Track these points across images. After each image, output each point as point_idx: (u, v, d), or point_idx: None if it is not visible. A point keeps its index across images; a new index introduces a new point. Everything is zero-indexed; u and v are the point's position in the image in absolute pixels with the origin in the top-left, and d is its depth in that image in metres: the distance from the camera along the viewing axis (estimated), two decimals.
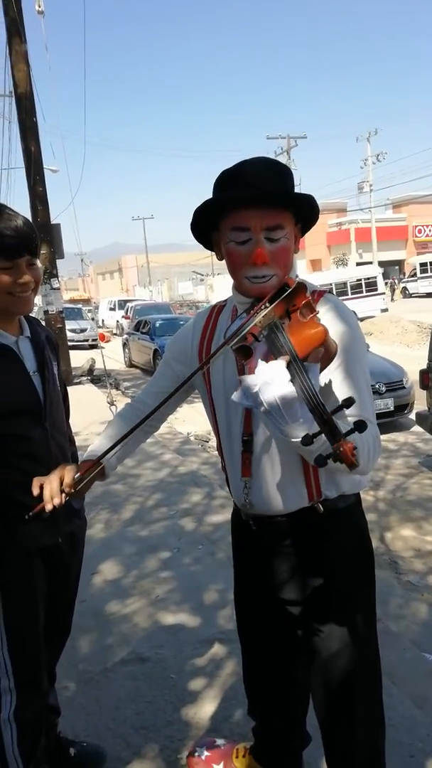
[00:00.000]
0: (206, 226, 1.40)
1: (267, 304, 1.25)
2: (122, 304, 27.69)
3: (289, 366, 1.08)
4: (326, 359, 1.15)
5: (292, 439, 1.14)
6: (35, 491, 1.38)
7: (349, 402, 1.02)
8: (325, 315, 1.33)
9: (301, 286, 1.28)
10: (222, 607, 2.94)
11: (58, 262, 9.64)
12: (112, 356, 15.68)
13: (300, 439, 1.07)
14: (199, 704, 2.28)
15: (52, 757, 1.88)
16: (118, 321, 25.83)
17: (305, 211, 1.36)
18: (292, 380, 1.07)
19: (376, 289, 21.41)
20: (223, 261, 1.40)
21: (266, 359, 1.16)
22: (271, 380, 1.08)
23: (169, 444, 6.46)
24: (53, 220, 9.45)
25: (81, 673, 2.49)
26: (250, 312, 1.32)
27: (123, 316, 23.83)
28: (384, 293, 22.87)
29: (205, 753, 1.96)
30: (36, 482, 1.39)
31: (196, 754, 1.96)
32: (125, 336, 15.99)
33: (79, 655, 2.58)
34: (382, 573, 3.37)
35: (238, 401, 1.14)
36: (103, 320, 29.27)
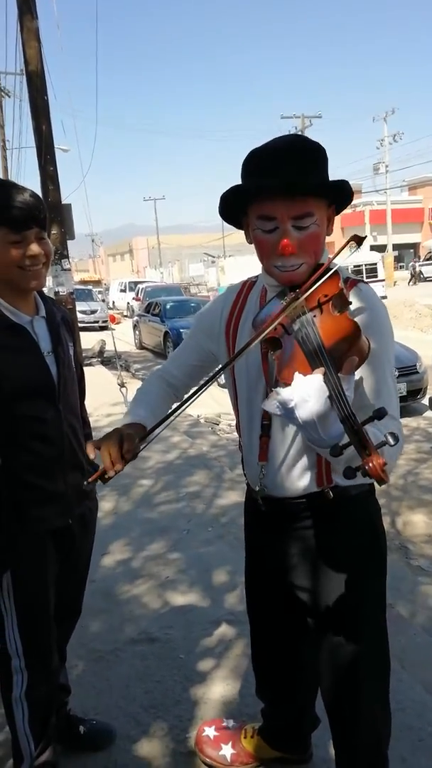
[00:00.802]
0: (235, 210, 1.36)
1: (298, 294, 1.22)
2: (133, 285, 27.61)
3: (324, 378, 1.04)
4: (359, 360, 1.11)
5: (321, 448, 1.10)
6: (91, 455, 1.32)
7: (380, 413, 0.98)
8: (355, 307, 1.28)
9: (335, 275, 1.24)
10: (231, 589, 2.94)
11: (69, 243, 9.59)
12: (122, 338, 15.67)
13: (329, 450, 1.03)
14: (208, 684, 2.29)
15: (62, 734, 1.90)
16: (128, 303, 25.78)
17: (337, 196, 1.31)
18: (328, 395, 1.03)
19: (376, 276, 21.23)
20: (243, 243, 1.36)
21: (295, 355, 1.14)
22: (309, 397, 1.04)
23: (178, 426, 6.45)
24: (64, 200, 9.39)
25: (91, 652, 2.51)
26: (280, 300, 1.30)
27: (134, 298, 23.78)
28: (384, 280, 22.65)
29: (214, 733, 1.97)
30: (91, 446, 1.34)
31: (205, 733, 1.98)
32: (135, 318, 15.97)
33: (89, 635, 2.60)
34: (393, 557, 3.36)
35: (271, 411, 1.11)
36: (113, 302, 29.22)
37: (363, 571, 1.47)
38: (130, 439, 1.32)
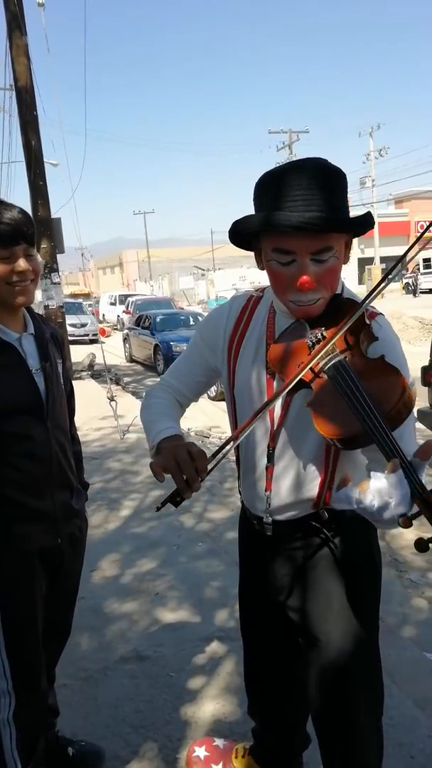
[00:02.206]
0: (247, 238, 1.28)
1: (320, 332, 1.18)
2: (123, 298, 27.63)
3: (403, 468, 1.00)
4: (406, 412, 1.07)
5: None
6: (160, 479, 1.20)
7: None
8: (379, 343, 1.23)
9: (354, 304, 1.21)
10: (222, 605, 2.92)
11: (59, 256, 9.61)
12: (112, 351, 15.65)
13: (397, 521, 0.99)
14: (199, 703, 2.27)
15: (50, 756, 1.87)
16: (118, 316, 25.78)
17: (359, 230, 1.24)
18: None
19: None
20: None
21: (333, 403, 1.10)
22: (397, 502, 1.00)
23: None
24: (54, 214, 9.42)
25: (79, 671, 2.47)
26: (300, 335, 1.25)
27: (124, 311, 23.78)
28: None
29: (205, 753, 1.95)
30: (158, 469, 1.21)
31: (195, 753, 1.95)
32: (126, 331, 15.97)
33: (77, 653, 2.57)
34: (383, 571, 3.35)
35: (338, 506, 1.07)
36: (103, 315, 29.21)
37: (358, 590, 1.45)
38: (202, 456, 1.21)
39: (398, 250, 41.91)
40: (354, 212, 1.26)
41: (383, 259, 36.12)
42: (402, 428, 1.13)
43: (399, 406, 1.06)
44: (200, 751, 1.95)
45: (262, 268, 1.29)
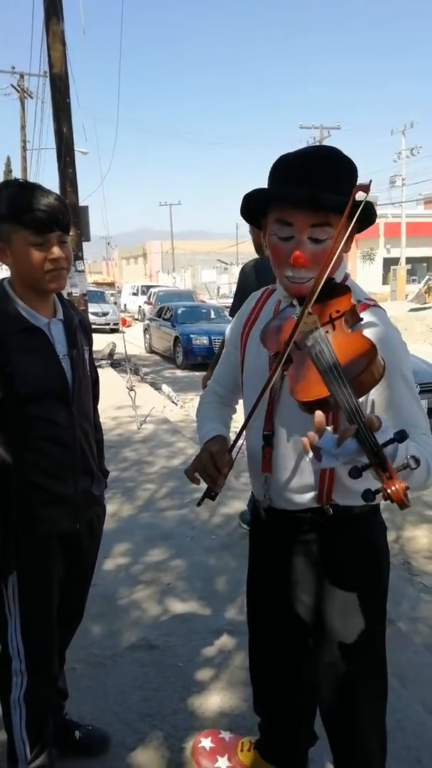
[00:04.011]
0: (256, 211, 1.36)
1: (309, 310, 1.20)
2: (145, 289, 27.71)
3: (340, 399, 1.03)
4: (372, 380, 1.10)
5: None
6: (194, 482, 1.42)
7: (402, 435, 0.97)
8: (367, 325, 1.26)
9: (346, 289, 1.23)
10: (232, 599, 2.93)
11: (84, 245, 9.65)
12: (132, 341, 15.71)
13: (349, 472, 1.01)
14: (206, 695, 2.28)
15: (57, 739, 1.89)
16: (140, 306, 25.87)
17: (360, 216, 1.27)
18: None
19: None
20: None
21: (308, 372, 1.13)
22: (350, 461, 1.03)
23: (183, 431, 6.45)
24: (81, 203, 9.46)
25: (89, 656, 2.50)
26: (289, 314, 1.29)
27: (145, 302, 23.85)
28: None
29: (210, 744, 1.95)
30: (192, 476, 1.42)
31: (201, 744, 1.96)
32: (146, 321, 16.00)
33: (88, 639, 2.59)
34: (395, 574, 3.33)
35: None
36: (125, 305, 29.35)
37: (361, 589, 1.44)
38: (220, 455, 1.40)
39: (425, 251, 41.44)
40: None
41: (409, 260, 35.66)
42: (400, 399, 1.25)
43: (365, 375, 1.09)
44: (206, 742, 1.96)
45: (266, 247, 1.35)
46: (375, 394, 1.26)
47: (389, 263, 37.96)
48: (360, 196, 1.16)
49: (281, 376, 1.29)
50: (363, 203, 1.22)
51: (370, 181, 1.17)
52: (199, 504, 1.45)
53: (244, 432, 1.39)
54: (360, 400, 1.07)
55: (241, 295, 3.28)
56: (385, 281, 37.20)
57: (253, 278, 3.28)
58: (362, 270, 39.57)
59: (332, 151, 1.29)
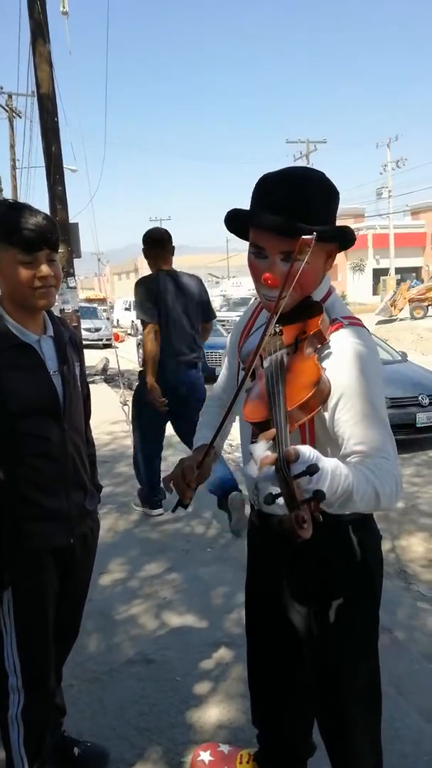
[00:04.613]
0: (237, 229, 1.39)
1: (276, 329, 1.25)
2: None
3: (276, 465, 1.06)
4: (315, 403, 1.16)
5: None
6: (168, 490, 1.48)
7: (312, 469, 1.00)
8: (334, 349, 1.27)
9: (319, 310, 1.26)
10: (229, 611, 2.92)
11: (75, 261, 9.69)
12: (125, 356, 15.72)
13: (263, 498, 1.05)
14: (204, 708, 2.27)
15: (55, 756, 1.88)
16: (132, 321, 25.90)
17: (338, 238, 1.31)
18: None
19: None
20: (246, 264, 1.40)
21: (260, 392, 1.21)
22: (255, 479, 1.10)
23: (176, 445, 6.44)
24: (71, 220, 9.52)
25: (86, 672, 2.49)
26: (265, 329, 1.32)
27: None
28: None
29: (209, 758, 1.95)
30: (169, 485, 1.48)
31: (200, 758, 1.95)
32: (140, 336, 16.01)
33: (84, 654, 2.58)
34: (392, 583, 3.34)
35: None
36: (117, 320, 29.37)
37: (350, 598, 1.45)
38: (189, 470, 1.45)
39: (414, 261, 41.82)
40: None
41: (398, 270, 35.97)
42: (360, 419, 1.24)
43: (298, 407, 1.14)
44: (205, 756, 1.96)
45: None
46: (335, 413, 1.26)
47: (379, 274, 38.28)
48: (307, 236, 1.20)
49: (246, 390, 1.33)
50: (337, 229, 1.27)
51: (314, 233, 1.19)
52: (173, 510, 1.52)
53: (211, 448, 1.45)
54: (293, 425, 1.15)
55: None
56: (375, 292, 37.46)
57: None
58: (352, 281, 39.85)
59: (309, 177, 1.29)
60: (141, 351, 15.47)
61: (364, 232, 39.98)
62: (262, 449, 1.10)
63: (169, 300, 3.89)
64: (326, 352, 1.28)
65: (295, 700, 1.69)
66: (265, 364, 1.21)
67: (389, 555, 3.80)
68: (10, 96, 23.02)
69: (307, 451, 1.06)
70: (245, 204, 1.35)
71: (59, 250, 1.62)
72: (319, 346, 1.27)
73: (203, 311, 4.11)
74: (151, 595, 3.15)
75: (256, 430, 1.22)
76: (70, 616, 1.81)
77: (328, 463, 1.09)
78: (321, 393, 1.16)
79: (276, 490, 1.03)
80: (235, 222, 1.36)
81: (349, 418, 1.25)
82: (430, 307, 23.72)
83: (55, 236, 1.55)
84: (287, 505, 1.00)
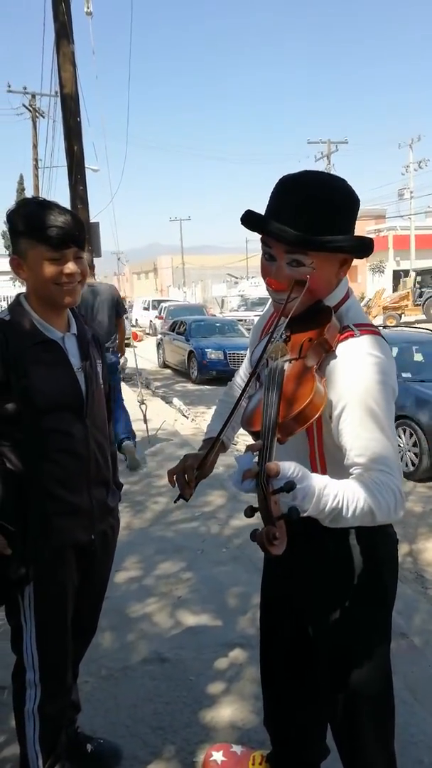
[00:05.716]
0: (254, 229, 1.37)
1: (284, 333, 1.26)
2: (156, 304, 27.86)
3: (257, 479, 1.08)
4: (309, 415, 1.17)
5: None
6: (171, 483, 1.55)
7: (288, 486, 1.02)
8: (339, 359, 1.26)
9: (325, 318, 1.26)
10: (243, 612, 2.92)
11: (96, 260, 9.76)
12: (143, 355, 15.78)
13: (244, 511, 1.09)
14: (217, 708, 2.27)
15: (69, 752, 1.90)
16: (151, 321, 26.00)
17: (354, 248, 1.28)
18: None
19: None
20: (258, 263, 1.40)
21: (258, 401, 1.22)
22: (245, 492, 1.12)
23: (193, 444, 6.46)
24: (92, 219, 9.58)
25: (101, 669, 2.50)
26: (270, 334, 1.33)
27: (156, 316, 23.96)
28: None
29: (222, 758, 1.95)
30: (170, 480, 1.55)
31: (213, 758, 1.96)
32: (160, 336, 16.05)
33: (99, 652, 2.60)
34: (408, 587, 3.31)
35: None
36: (136, 319, 29.52)
37: (361, 602, 1.43)
38: (190, 470, 1.52)
39: None
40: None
41: (419, 272, 35.60)
42: (361, 430, 1.22)
43: (292, 419, 1.15)
44: (217, 756, 1.95)
45: None
46: (339, 423, 1.25)
47: (399, 275, 37.91)
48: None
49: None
50: (345, 241, 1.25)
51: (307, 278, 1.22)
52: (175, 501, 1.60)
53: (216, 446, 1.50)
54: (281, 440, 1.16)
55: None
56: (394, 291, 37.09)
57: None
58: (372, 282, 39.55)
59: (318, 185, 1.27)
60: (161, 351, 15.51)
61: (384, 233, 39.69)
62: (247, 461, 1.11)
63: None
64: (332, 361, 1.26)
65: (308, 704, 1.68)
66: (266, 371, 1.20)
67: (406, 559, 3.77)
68: (33, 96, 23.26)
69: (290, 467, 1.07)
70: (265, 204, 1.35)
71: (84, 250, 1.64)
72: (325, 354, 1.25)
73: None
74: (166, 593, 3.16)
75: (253, 437, 1.23)
76: (88, 613, 1.82)
77: (316, 481, 1.11)
78: (315, 404, 1.16)
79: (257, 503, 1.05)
80: (249, 224, 1.36)
81: (351, 429, 1.24)
82: (402, 316, 23.68)
83: (82, 235, 1.58)
84: (263, 519, 1.01)
